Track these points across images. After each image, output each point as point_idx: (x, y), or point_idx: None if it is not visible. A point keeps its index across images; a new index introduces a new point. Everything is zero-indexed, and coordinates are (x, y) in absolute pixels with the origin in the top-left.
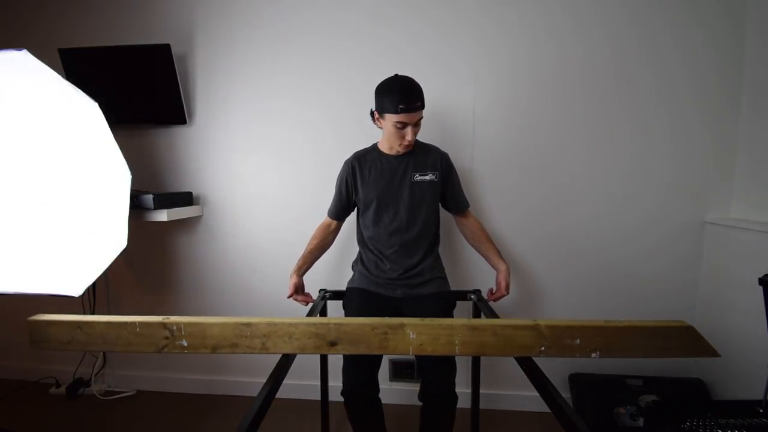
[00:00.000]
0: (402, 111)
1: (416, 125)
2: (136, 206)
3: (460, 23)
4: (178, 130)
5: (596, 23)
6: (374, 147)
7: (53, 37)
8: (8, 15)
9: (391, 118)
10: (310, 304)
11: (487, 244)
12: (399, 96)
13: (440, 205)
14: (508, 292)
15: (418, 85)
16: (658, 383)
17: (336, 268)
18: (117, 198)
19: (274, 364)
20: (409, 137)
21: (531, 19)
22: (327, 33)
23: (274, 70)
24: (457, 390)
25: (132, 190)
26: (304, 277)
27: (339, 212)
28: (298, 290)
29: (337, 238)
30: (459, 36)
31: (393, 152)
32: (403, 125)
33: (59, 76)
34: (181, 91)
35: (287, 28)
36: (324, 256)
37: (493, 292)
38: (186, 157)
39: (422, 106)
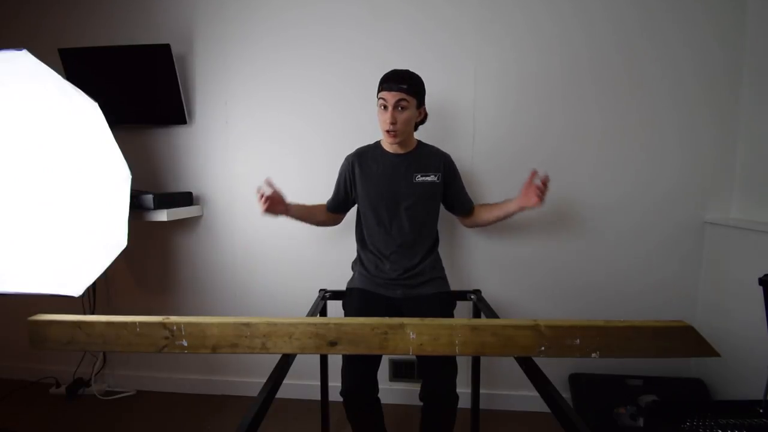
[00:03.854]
0: (384, 89)
1: (399, 108)
2: (136, 206)
3: (464, 17)
4: (178, 130)
5: (601, 16)
6: (377, 144)
7: (53, 37)
8: (8, 15)
9: (377, 99)
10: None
11: (493, 207)
12: (386, 76)
13: (444, 207)
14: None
15: (414, 75)
16: (658, 383)
17: (336, 268)
18: (117, 198)
19: (274, 364)
20: (387, 119)
21: (535, 14)
22: (328, 26)
23: (274, 66)
24: (457, 390)
25: (132, 190)
26: (304, 279)
27: (336, 206)
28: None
29: (336, 238)
30: (462, 30)
31: (393, 148)
32: (385, 104)
33: (59, 76)
34: (181, 91)
35: (287, 22)
36: (324, 256)
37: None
38: (186, 157)
39: (407, 91)
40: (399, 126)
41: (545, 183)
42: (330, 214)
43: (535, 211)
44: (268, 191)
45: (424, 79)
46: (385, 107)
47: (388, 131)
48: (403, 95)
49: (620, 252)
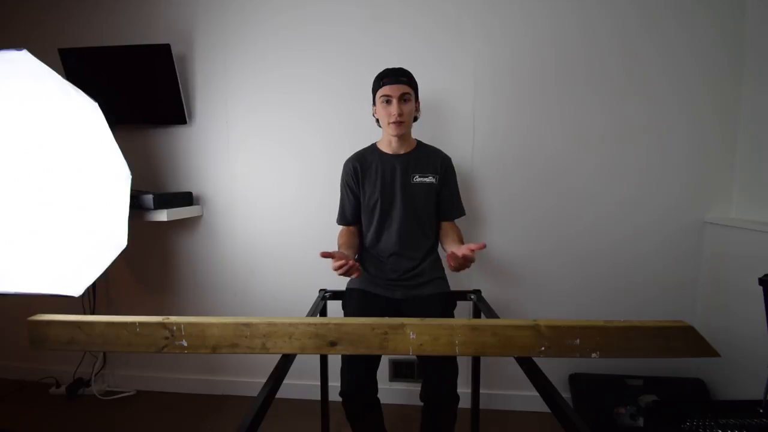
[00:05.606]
0: (385, 84)
1: (403, 101)
2: (136, 206)
3: (464, 17)
4: (178, 130)
5: (600, 17)
6: (373, 147)
7: (53, 37)
8: (8, 14)
9: (378, 97)
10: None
11: (456, 237)
12: (383, 73)
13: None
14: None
15: (408, 70)
16: (658, 383)
17: None
18: (117, 198)
19: (274, 364)
20: (394, 111)
21: (536, 16)
22: (329, 26)
23: (274, 66)
24: (457, 390)
25: (132, 190)
26: (304, 279)
27: (351, 215)
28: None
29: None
30: (462, 31)
31: (391, 149)
32: (389, 99)
33: (59, 76)
34: (181, 91)
35: (288, 22)
36: None
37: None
38: (186, 157)
39: (408, 83)
40: (405, 117)
41: (466, 257)
42: (352, 229)
43: (535, 212)
44: (341, 262)
45: (424, 80)
46: (389, 101)
47: (393, 122)
48: (406, 88)
49: (620, 252)
